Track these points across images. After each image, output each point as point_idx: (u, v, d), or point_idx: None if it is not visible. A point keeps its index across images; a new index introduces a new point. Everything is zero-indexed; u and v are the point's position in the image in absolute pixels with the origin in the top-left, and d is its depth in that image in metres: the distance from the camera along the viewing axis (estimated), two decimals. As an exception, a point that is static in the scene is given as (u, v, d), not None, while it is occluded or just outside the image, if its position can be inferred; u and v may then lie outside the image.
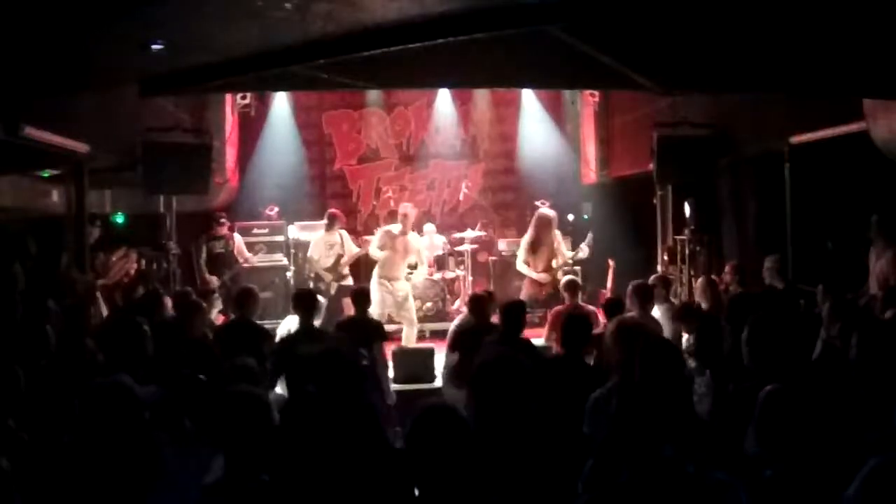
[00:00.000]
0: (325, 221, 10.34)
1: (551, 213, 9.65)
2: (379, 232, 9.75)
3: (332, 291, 9.92)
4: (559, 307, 7.75)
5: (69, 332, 5.07)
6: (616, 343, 4.40)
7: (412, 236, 9.75)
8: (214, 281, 9.71)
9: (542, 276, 9.33)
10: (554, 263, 9.43)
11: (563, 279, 8.29)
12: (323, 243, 10.15)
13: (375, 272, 9.48)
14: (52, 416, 3.43)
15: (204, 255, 9.97)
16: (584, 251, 10.11)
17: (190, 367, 4.13)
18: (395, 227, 9.55)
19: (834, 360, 4.25)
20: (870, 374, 3.56)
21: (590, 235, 10.88)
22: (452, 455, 2.52)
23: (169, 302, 6.63)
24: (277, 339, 6.96)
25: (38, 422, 3.35)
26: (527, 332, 9.41)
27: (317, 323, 7.33)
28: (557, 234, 9.63)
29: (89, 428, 2.92)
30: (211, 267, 9.94)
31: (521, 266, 9.54)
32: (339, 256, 10.10)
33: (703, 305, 7.27)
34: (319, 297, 7.67)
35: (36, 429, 3.27)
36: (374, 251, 9.53)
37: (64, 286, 6.84)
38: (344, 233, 10.41)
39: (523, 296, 9.51)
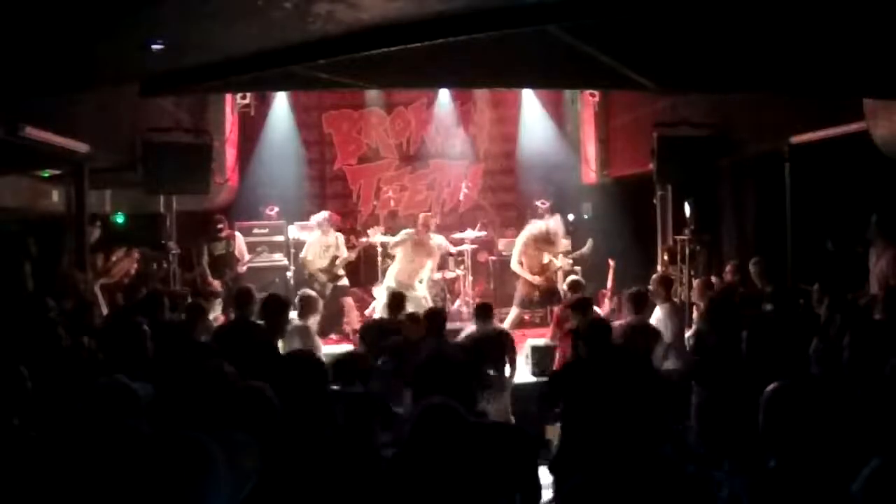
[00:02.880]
0: (315, 223, 10.35)
1: (556, 227, 9.62)
2: (402, 234, 9.84)
3: (328, 292, 9.93)
4: (562, 306, 7.76)
5: (72, 332, 5.08)
6: None
7: (436, 241, 9.88)
8: (218, 284, 9.72)
9: (536, 278, 9.32)
10: (546, 258, 9.42)
11: (568, 279, 8.32)
12: (318, 245, 10.16)
13: (390, 277, 9.55)
14: (55, 415, 3.43)
15: (206, 257, 9.98)
16: (588, 246, 10.23)
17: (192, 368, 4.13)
18: (413, 233, 9.71)
19: (831, 358, 4.26)
20: (864, 372, 3.57)
21: (590, 242, 10.91)
22: (453, 452, 2.53)
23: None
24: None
25: (43, 420, 3.35)
26: (525, 332, 9.53)
27: (314, 322, 7.34)
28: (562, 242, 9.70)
29: (89, 427, 2.93)
30: (213, 269, 9.94)
31: (515, 266, 9.56)
32: (335, 258, 10.12)
33: (701, 306, 7.30)
34: (315, 294, 7.68)
35: (42, 427, 3.27)
36: (395, 248, 9.73)
37: (66, 286, 6.85)
38: (340, 235, 10.45)
39: (517, 296, 9.53)
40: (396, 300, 7.32)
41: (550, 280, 9.42)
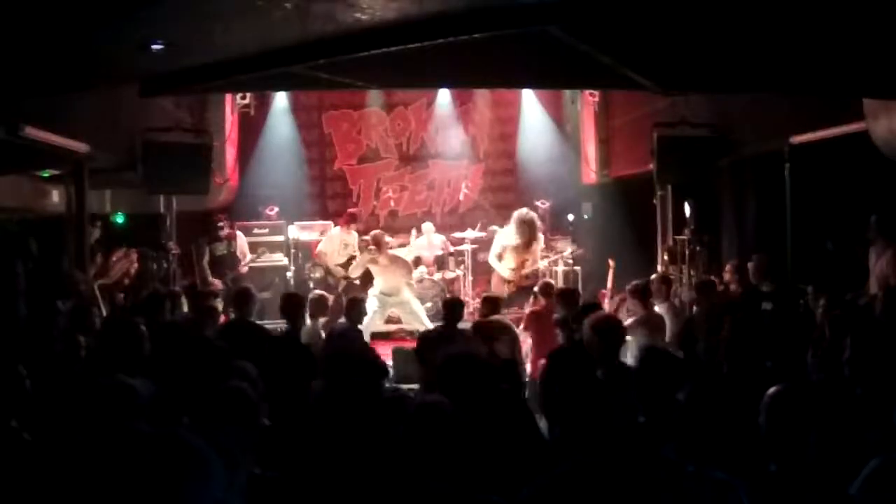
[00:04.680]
0: (334, 222, 10.44)
1: (532, 213, 9.42)
2: (358, 259, 9.64)
3: (340, 289, 9.93)
4: (535, 308, 7.73)
5: (73, 332, 5.08)
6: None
7: (399, 252, 9.75)
8: (218, 283, 9.71)
9: (510, 273, 9.15)
10: (527, 267, 9.21)
11: (540, 282, 8.30)
12: (339, 240, 10.18)
13: (376, 289, 9.34)
14: (54, 415, 3.43)
15: (206, 257, 9.97)
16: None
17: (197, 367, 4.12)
18: (367, 258, 9.38)
19: (829, 358, 4.26)
20: (864, 373, 3.57)
21: (580, 250, 10.90)
22: (445, 450, 2.53)
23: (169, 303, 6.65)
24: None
25: (41, 421, 3.35)
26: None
27: (323, 321, 7.32)
28: (540, 237, 9.45)
29: (89, 427, 2.93)
30: (213, 269, 9.94)
31: (492, 259, 9.38)
32: (352, 257, 10.11)
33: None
34: (327, 294, 7.67)
35: (39, 429, 3.27)
36: (356, 272, 9.51)
37: (68, 287, 6.85)
38: (356, 234, 10.48)
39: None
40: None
41: (522, 279, 9.22)
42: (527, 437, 3.56)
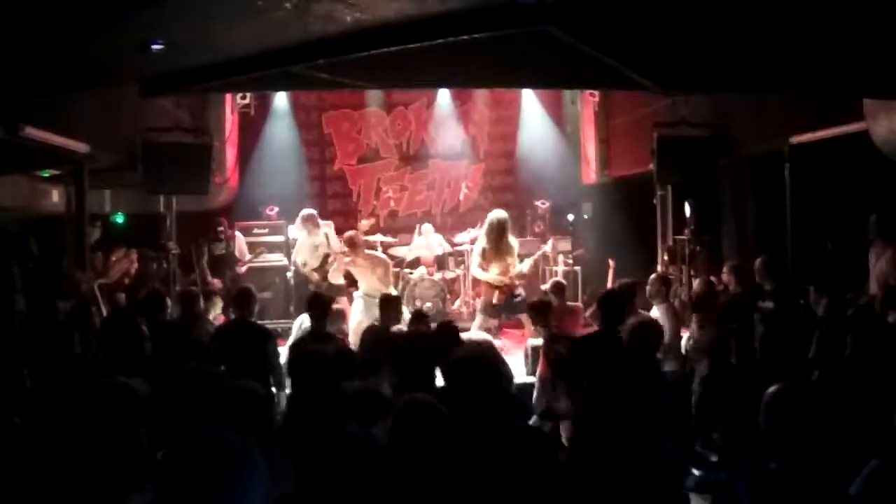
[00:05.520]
0: (299, 223, 10.12)
1: (503, 215, 9.12)
2: (336, 263, 9.45)
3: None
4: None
5: (82, 334, 5.08)
6: None
7: (399, 251, 9.58)
8: (217, 283, 9.70)
9: (497, 279, 8.97)
10: (512, 269, 9.01)
11: (550, 281, 8.24)
12: (308, 246, 9.97)
13: (360, 290, 9.04)
14: (56, 414, 3.43)
15: (206, 257, 9.96)
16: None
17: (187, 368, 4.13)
18: (344, 260, 9.16)
19: (830, 358, 4.26)
20: (866, 372, 3.57)
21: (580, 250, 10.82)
22: (433, 448, 2.53)
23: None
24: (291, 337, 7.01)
25: (43, 419, 3.35)
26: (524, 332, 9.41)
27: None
28: (512, 239, 9.14)
29: (90, 427, 2.93)
30: (212, 268, 9.92)
31: (476, 271, 9.24)
32: (326, 255, 9.95)
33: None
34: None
35: (42, 426, 3.27)
36: (335, 277, 9.39)
37: (68, 287, 6.85)
38: (328, 231, 10.33)
39: (481, 302, 9.28)
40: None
41: (513, 282, 9.04)
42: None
